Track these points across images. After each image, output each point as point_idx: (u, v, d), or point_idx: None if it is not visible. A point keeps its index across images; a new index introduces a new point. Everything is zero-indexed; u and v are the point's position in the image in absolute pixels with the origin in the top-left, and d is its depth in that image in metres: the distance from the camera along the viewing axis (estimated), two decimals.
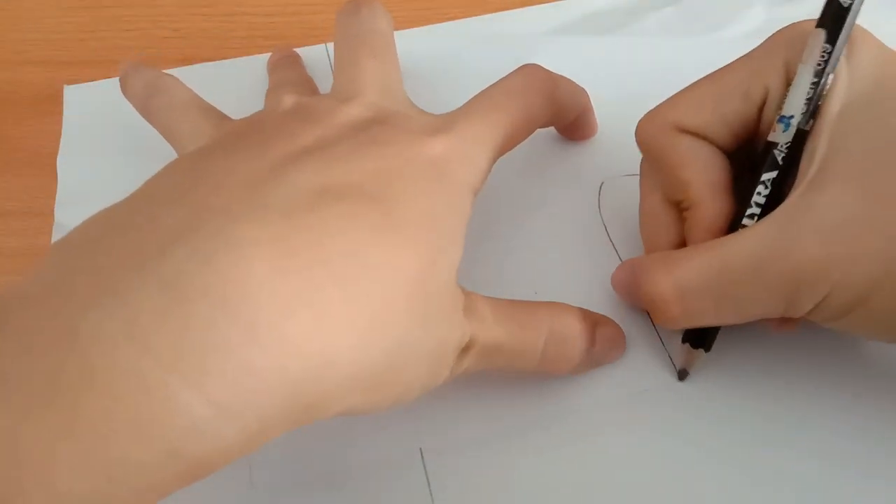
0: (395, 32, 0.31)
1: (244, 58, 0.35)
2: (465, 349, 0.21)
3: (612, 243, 0.28)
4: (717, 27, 0.36)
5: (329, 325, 0.17)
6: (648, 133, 0.24)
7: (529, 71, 0.26)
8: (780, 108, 0.22)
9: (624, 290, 0.25)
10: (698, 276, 0.21)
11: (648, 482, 0.23)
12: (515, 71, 0.26)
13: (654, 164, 0.25)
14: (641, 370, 0.25)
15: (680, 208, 0.24)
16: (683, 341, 0.24)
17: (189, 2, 0.38)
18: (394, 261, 0.19)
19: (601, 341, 0.24)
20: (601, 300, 0.27)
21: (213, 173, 0.19)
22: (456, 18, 0.37)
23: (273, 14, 0.38)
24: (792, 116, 0.22)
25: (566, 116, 0.29)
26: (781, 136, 0.22)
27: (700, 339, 0.24)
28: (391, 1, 0.38)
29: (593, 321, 0.24)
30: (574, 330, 0.23)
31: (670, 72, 0.34)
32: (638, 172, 0.30)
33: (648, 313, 0.25)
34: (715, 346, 0.25)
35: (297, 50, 0.35)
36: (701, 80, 0.24)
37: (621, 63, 0.34)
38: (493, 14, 0.37)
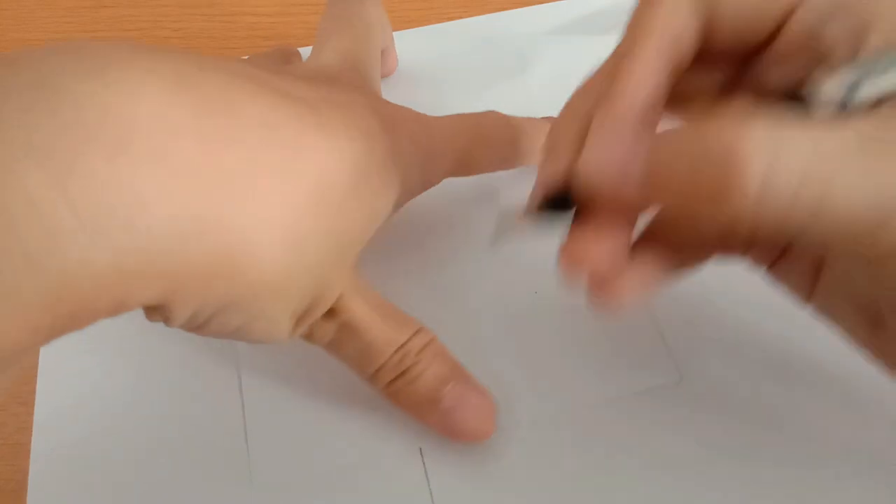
0: (395, 33, 0.32)
1: (244, 58, 0.35)
2: (330, 314, 0.20)
3: None
4: None
5: (224, 170, 0.16)
6: None
7: (490, 113, 0.27)
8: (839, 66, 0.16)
9: (614, 167, 0.16)
10: (803, 146, 0.14)
11: (648, 482, 0.23)
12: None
13: (632, 20, 0.18)
14: (641, 370, 0.25)
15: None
16: (540, 207, 0.18)
17: (190, 2, 0.39)
18: (315, 154, 0.18)
19: (451, 396, 0.22)
20: None
21: None
22: (456, 18, 0.37)
23: (273, 14, 0.38)
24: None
25: (535, 156, 0.28)
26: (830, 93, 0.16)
27: (560, 207, 0.18)
28: (391, 1, 0.38)
29: (454, 367, 0.23)
30: (424, 354, 0.22)
31: None
32: None
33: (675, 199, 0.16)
34: (715, 345, 0.25)
35: (298, 50, 0.35)
36: None
37: None
38: (493, 14, 0.37)
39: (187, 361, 0.26)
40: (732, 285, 0.27)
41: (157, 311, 0.16)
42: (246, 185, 0.16)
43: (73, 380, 0.26)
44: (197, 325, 0.17)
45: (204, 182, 0.15)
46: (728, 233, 0.19)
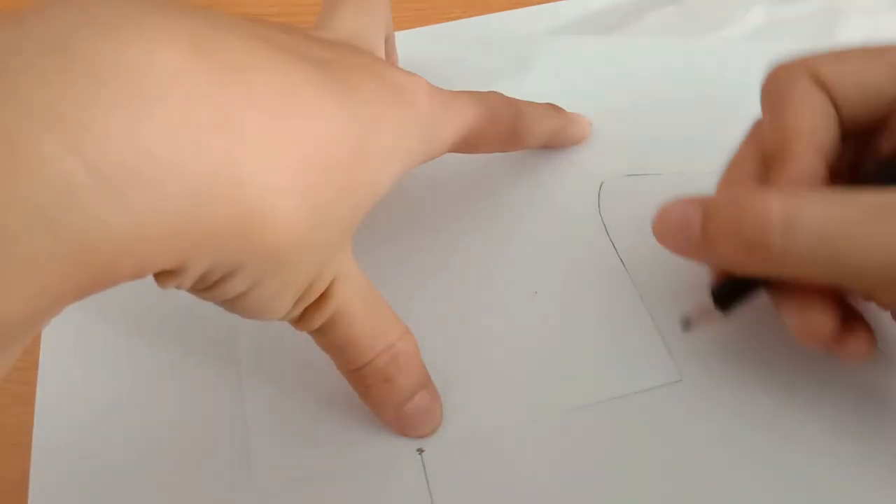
0: (395, 33, 0.31)
1: None
2: (323, 298, 0.20)
3: (612, 243, 0.28)
4: (717, 27, 0.36)
5: (241, 133, 0.16)
6: (779, 74, 0.23)
7: (493, 92, 0.27)
8: None
9: (678, 228, 0.21)
10: (816, 213, 0.18)
11: (648, 482, 0.23)
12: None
13: (770, 104, 0.23)
14: (641, 370, 0.25)
15: (767, 163, 0.22)
16: (715, 294, 0.22)
17: (189, 2, 0.38)
18: (328, 120, 0.18)
19: (416, 403, 0.23)
20: (600, 300, 0.27)
21: None
22: (456, 18, 0.37)
23: (273, 14, 0.38)
24: None
25: (535, 138, 0.29)
26: None
27: (731, 300, 0.22)
28: (391, 1, 0.38)
29: (424, 374, 0.24)
30: (407, 361, 0.23)
31: (670, 71, 0.34)
32: (638, 173, 0.30)
33: (717, 260, 0.22)
34: (715, 345, 0.25)
35: None
36: (857, 46, 0.23)
37: (621, 62, 0.34)
38: (493, 14, 0.37)
39: (188, 362, 0.26)
40: None
41: (170, 276, 0.16)
42: (262, 149, 0.16)
43: (74, 380, 0.26)
44: (204, 288, 0.17)
45: (221, 144, 0.15)
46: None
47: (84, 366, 0.26)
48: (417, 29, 0.36)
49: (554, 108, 0.30)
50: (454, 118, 0.23)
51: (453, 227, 0.29)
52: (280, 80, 0.17)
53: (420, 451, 0.24)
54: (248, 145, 0.16)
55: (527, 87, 0.33)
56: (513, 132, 0.27)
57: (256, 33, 0.18)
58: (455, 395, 0.24)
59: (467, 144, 0.25)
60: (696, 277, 0.27)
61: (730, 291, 0.22)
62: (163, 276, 0.16)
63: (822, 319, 0.21)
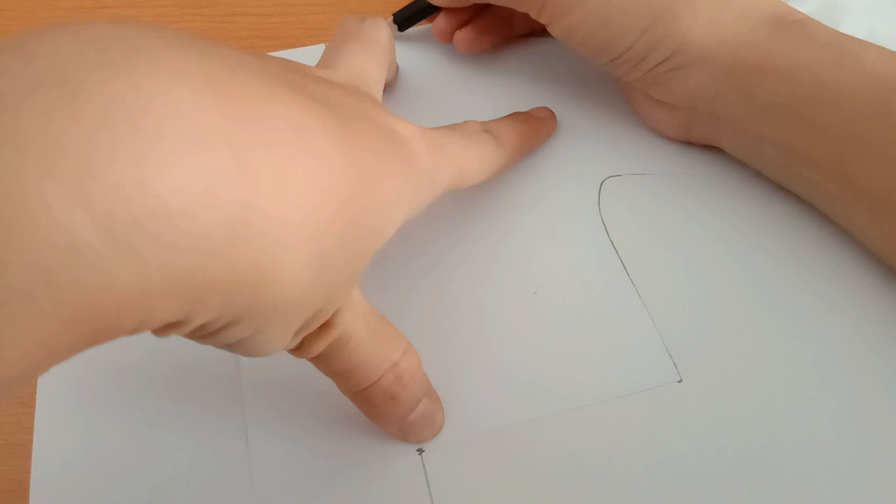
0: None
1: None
2: (324, 328, 0.20)
3: (612, 243, 0.28)
4: None
5: (257, 180, 0.15)
6: None
7: (470, 123, 0.27)
8: None
9: None
10: None
11: (647, 482, 0.23)
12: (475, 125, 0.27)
13: None
14: (641, 370, 0.25)
15: None
16: (395, 21, 0.34)
17: (190, 2, 0.39)
18: (339, 167, 0.17)
19: (418, 413, 0.23)
20: (600, 300, 0.27)
21: None
22: None
23: (273, 14, 0.38)
24: None
25: (514, 158, 0.29)
26: None
27: (406, 23, 0.33)
28: (391, 1, 0.38)
29: (426, 385, 0.24)
30: (411, 378, 0.23)
31: None
32: (639, 172, 0.30)
33: None
34: (715, 345, 0.25)
35: (297, 50, 0.35)
36: None
37: None
38: None
39: (188, 361, 0.26)
40: (733, 285, 0.27)
41: (171, 328, 0.15)
42: (275, 197, 0.15)
43: (74, 380, 0.26)
44: (203, 335, 0.17)
45: (236, 193, 0.14)
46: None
47: (84, 365, 0.26)
48: (417, 29, 0.36)
49: (519, 117, 0.30)
50: (450, 166, 0.24)
51: (453, 227, 0.29)
52: (294, 125, 0.16)
53: (420, 451, 0.24)
54: (262, 193, 0.15)
55: (526, 88, 0.33)
56: (494, 160, 0.27)
57: (271, 73, 0.17)
58: (455, 396, 0.25)
59: (460, 181, 0.25)
60: (696, 276, 0.27)
61: (406, 17, 0.33)
62: (162, 328, 0.15)
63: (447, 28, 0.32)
